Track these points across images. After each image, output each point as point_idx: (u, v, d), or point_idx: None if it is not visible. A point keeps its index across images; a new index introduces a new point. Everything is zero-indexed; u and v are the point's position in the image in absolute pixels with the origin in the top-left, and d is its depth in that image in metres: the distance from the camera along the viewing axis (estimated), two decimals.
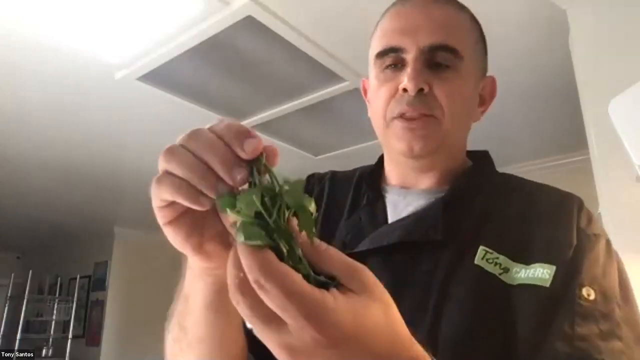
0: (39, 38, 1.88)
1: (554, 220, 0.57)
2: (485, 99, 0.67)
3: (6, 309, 5.00)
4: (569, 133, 2.74)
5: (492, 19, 1.76)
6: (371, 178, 0.70)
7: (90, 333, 5.13)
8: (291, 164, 3.28)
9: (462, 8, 0.65)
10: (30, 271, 5.01)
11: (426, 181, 0.65)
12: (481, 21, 0.66)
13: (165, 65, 2.04)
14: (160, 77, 2.15)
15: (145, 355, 5.17)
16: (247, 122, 2.65)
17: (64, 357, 4.85)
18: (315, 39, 1.90)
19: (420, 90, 0.58)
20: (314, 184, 0.75)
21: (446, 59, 0.59)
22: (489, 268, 0.54)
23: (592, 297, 0.51)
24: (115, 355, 4.98)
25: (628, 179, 1.30)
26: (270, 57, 2.03)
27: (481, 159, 0.69)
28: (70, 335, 4.94)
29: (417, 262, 0.57)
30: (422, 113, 0.59)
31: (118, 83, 2.20)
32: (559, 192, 0.62)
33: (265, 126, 2.70)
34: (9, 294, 5.02)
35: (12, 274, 5.10)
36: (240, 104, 2.48)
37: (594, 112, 1.49)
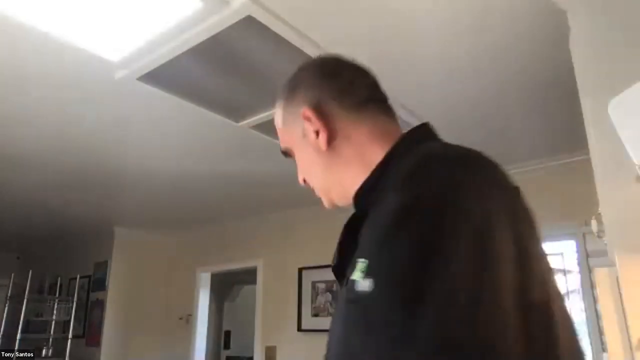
0: (39, 38, 1.88)
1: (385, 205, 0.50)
2: (315, 130, 0.69)
3: (6, 309, 4.99)
4: (569, 133, 2.74)
5: (492, 19, 1.76)
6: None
7: (90, 333, 5.13)
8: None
9: (281, 93, 0.75)
10: (30, 271, 5.01)
11: None
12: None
13: (165, 65, 2.04)
14: (160, 77, 2.15)
15: (145, 355, 5.17)
16: (247, 122, 2.65)
17: (64, 357, 4.85)
18: (315, 39, 1.90)
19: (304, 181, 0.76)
20: None
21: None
22: (356, 276, 0.47)
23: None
24: (115, 355, 4.98)
25: (628, 179, 1.30)
26: (270, 57, 2.03)
27: (395, 154, 0.62)
28: (70, 335, 4.95)
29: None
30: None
31: (118, 83, 2.20)
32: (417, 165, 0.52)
33: (265, 126, 2.69)
34: (9, 294, 5.02)
35: (12, 274, 5.10)
36: (240, 104, 2.48)
37: (594, 112, 1.48)
